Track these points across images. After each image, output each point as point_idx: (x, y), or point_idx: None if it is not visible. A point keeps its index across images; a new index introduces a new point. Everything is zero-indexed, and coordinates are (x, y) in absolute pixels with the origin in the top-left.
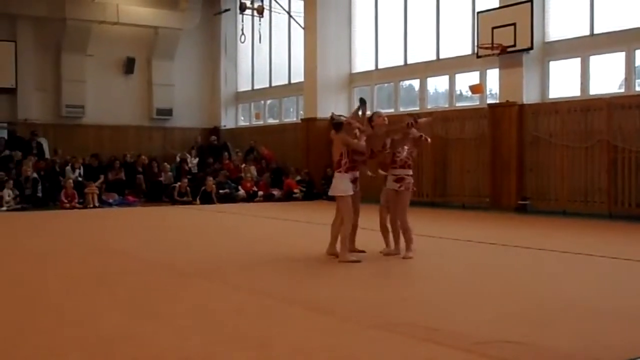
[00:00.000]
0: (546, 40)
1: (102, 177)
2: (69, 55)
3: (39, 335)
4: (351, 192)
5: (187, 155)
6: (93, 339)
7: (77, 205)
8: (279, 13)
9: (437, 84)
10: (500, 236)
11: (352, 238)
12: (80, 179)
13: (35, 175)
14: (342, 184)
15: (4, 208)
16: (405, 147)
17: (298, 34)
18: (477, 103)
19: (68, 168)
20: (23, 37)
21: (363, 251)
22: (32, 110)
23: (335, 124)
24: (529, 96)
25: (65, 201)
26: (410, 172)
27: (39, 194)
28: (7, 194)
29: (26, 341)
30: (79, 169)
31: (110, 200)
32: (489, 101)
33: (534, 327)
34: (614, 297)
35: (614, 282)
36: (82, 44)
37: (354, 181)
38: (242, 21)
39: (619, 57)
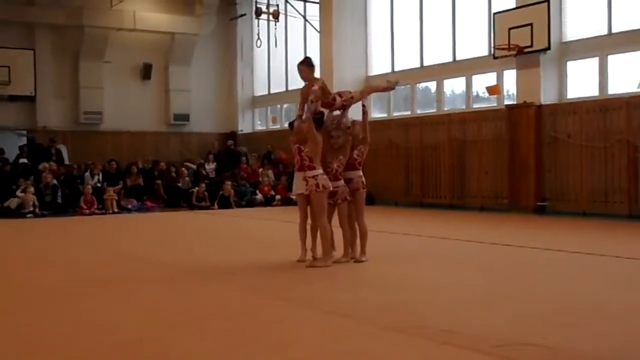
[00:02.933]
0: (563, 40)
1: (120, 183)
2: (86, 63)
3: (59, 341)
4: (299, 191)
5: (202, 161)
6: (112, 343)
7: (97, 211)
8: (295, 17)
9: (454, 86)
10: (519, 238)
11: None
12: (99, 185)
13: (55, 181)
14: (294, 183)
15: (30, 215)
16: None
17: (314, 38)
18: (495, 104)
19: (87, 174)
20: (41, 45)
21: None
22: (51, 117)
23: (290, 127)
24: (547, 97)
25: (85, 207)
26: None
27: (59, 201)
28: (29, 199)
29: (47, 347)
30: (98, 175)
31: (129, 206)
32: (507, 102)
33: (554, 329)
34: (635, 298)
35: (635, 283)
36: (99, 51)
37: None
38: (258, 26)
39: (638, 56)
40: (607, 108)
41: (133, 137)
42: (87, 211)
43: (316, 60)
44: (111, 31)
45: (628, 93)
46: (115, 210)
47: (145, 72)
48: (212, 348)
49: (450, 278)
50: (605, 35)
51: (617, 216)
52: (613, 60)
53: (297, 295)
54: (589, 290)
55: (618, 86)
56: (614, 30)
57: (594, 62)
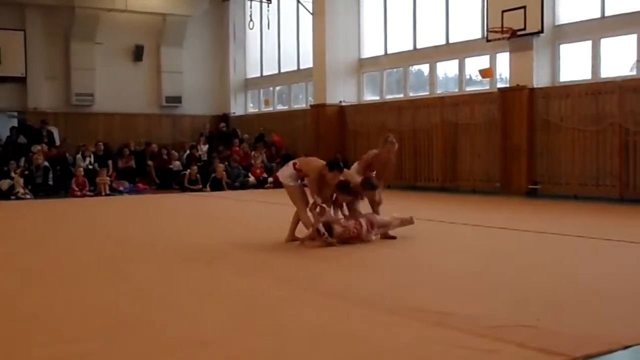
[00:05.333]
0: (556, 23)
1: (109, 163)
2: (78, 44)
3: (52, 323)
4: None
5: (195, 144)
6: (106, 326)
7: (88, 193)
8: None
9: (447, 69)
10: (511, 221)
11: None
12: (90, 167)
13: (46, 163)
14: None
15: (28, 195)
16: None
17: (306, 20)
18: (487, 87)
19: (79, 156)
20: (32, 26)
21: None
22: (42, 98)
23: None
24: (540, 80)
25: (76, 189)
26: None
27: (50, 183)
28: (21, 181)
29: (43, 331)
30: (90, 157)
31: (121, 188)
32: (499, 85)
33: (548, 311)
34: (628, 281)
35: (627, 266)
36: (90, 32)
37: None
38: (251, 7)
39: (631, 40)
40: (599, 92)
41: (125, 119)
42: (79, 193)
43: (309, 42)
44: (102, 12)
45: (621, 77)
46: (107, 192)
47: (137, 53)
48: (208, 330)
49: (446, 261)
50: (598, 18)
51: (609, 199)
52: (606, 43)
53: (293, 277)
54: (583, 273)
55: (611, 70)
56: (607, 14)
57: (587, 45)
